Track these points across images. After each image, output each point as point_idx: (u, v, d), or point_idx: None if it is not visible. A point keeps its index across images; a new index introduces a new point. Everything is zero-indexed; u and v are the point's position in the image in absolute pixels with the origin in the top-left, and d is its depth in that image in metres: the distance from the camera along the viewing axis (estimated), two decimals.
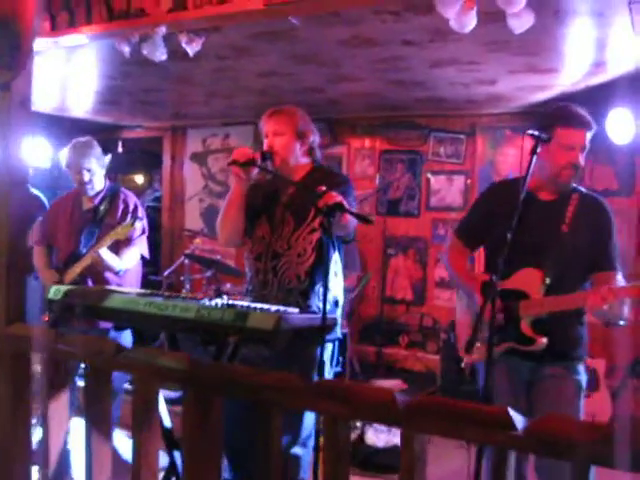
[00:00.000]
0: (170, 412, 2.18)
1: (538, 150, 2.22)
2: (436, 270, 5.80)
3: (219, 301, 1.98)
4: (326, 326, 1.96)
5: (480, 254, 2.78)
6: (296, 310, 2.07)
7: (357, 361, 5.42)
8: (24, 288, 2.10)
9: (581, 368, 2.41)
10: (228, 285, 5.24)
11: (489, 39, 3.47)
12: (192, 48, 3.11)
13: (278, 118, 2.57)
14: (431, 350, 5.62)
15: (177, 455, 2.11)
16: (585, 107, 2.41)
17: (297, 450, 2.42)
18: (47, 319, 3.02)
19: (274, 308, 2.00)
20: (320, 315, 1.95)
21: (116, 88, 5.22)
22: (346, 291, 3.84)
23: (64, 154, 3.33)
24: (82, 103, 6.00)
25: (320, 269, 2.43)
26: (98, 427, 1.86)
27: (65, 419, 2.05)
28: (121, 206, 3.33)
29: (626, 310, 2.21)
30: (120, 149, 7.42)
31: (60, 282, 3.11)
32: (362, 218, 2.25)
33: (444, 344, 4.86)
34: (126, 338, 3.07)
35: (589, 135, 2.35)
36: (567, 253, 2.37)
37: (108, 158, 3.42)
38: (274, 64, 4.26)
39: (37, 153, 5.99)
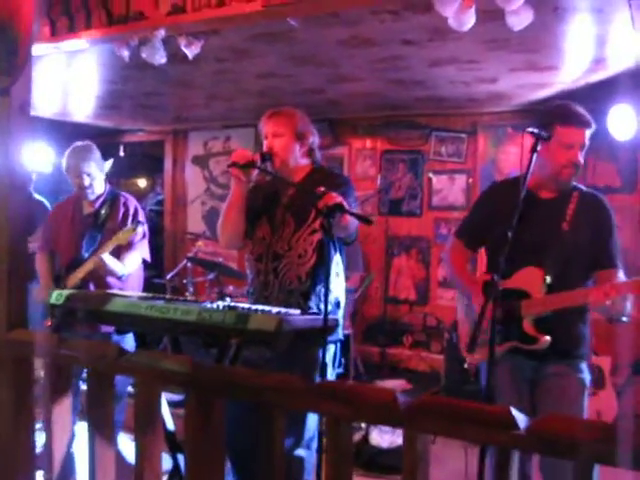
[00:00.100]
0: (173, 415, 2.18)
1: (538, 148, 2.21)
2: (439, 269, 5.79)
3: (220, 303, 1.98)
4: (327, 327, 1.96)
5: (482, 256, 2.77)
6: (297, 311, 2.07)
7: (361, 361, 5.41)
8: (26, 293, 2.10)
9: (584, 366, 2.41)
10: (231, 287, 5.25)
11: (488, 37, 3.46)
12: (191, 51, 3.11)
13: (277, 119, 2.57)
14: (435, 350, 5.61)
15: (180, 458, 2.11)
16: (586, 104, 2.41)
17: (300, 452, 2.42)
18: (50, 324, 3.02)
19: (275, 310, 2.00)
20: (321, 316, 1.95)
21: (117, 92, 5.23)
22: (349, 291, 3.84)
23: (64, 159, 3.34)
24: (83, 108, 6.01)
25: (321, 270, 2.42)
26: (101, 431, 1.86)
27: (69, 423, 2.05)
28: (122, 210, 3.33)
29: (629, 306, 2.21)
30: (122, 153, 7.44)
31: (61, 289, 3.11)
32: (362, 219, 2.25)
33: (448, 344, 4.85)
34: (128, 342, 3.06)
35: (588, 133, 2.35)
36: (568, 251, 2.36)
37: (109, 162, 3.43)
38: (273, 66, 4.26)
39: (39, 158, 6.00)
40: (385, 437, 3.77)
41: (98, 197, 3.34)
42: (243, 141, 6.48)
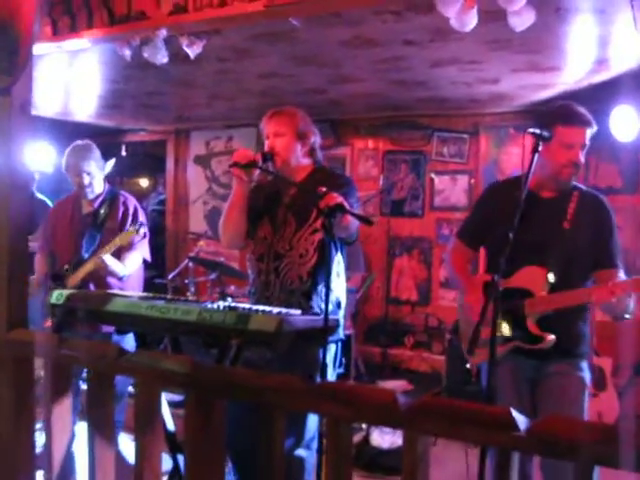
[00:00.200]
0: (173, 415, 2.17)
1: (539, 148, 2.21)
2: (441, 270, 5.79)
3: (221, 304, 1.98)
4: (328, 327, 1.95)
5: (482, 256, 2.78)
6: (298, 312, 2.06)
7: (362, 362, 5.41)
8: (26, 293, 2.10)
9: (585, 365, 2.42)
10: (232, 287, 5.25)
11: (490, 38, 3.46)
12: (193, 51, 3.11)
13: (279, 119, 2.57)
14: (436, 350, 5.61)
15: (180, 458, 2.10)
16: (588, 105, 2.42)
17: (301, 452, 2.42)
18: (50, 324, 3.02)
19: (276, 310, 1.99)
20: (322, 316, 1.95)
21: (118, 92, 5.23)
22: (350, 292, 3.84)
23: (63, 157, 3.34)
24: (85, 107, 6.02)
25: (322, 270, 2.42)
26: (101, 431, 1.85)
27: (69, 423, 2.04)
28: (121, 209, 3.33)
29: (632, 304, 2.22)
30: (124, 153, 7.45)
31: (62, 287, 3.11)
32: (363, 219, 2.25)
33: (449, 344, 4.85)
34: (129, 342, 3.06)
35: (589, 133, 2.36)
36: (569, 250, 2.37)
37: (112, 162, 3.43)
38: (275, 66, 4.26)
39: (40, 158, 6.01)
40: (386, 438, 3.77)
41: (97, 196, 3.34)
42: (245, 141, 6.48)
